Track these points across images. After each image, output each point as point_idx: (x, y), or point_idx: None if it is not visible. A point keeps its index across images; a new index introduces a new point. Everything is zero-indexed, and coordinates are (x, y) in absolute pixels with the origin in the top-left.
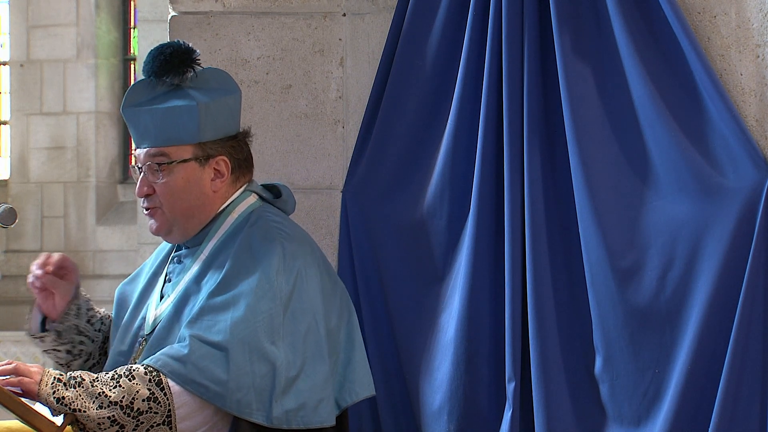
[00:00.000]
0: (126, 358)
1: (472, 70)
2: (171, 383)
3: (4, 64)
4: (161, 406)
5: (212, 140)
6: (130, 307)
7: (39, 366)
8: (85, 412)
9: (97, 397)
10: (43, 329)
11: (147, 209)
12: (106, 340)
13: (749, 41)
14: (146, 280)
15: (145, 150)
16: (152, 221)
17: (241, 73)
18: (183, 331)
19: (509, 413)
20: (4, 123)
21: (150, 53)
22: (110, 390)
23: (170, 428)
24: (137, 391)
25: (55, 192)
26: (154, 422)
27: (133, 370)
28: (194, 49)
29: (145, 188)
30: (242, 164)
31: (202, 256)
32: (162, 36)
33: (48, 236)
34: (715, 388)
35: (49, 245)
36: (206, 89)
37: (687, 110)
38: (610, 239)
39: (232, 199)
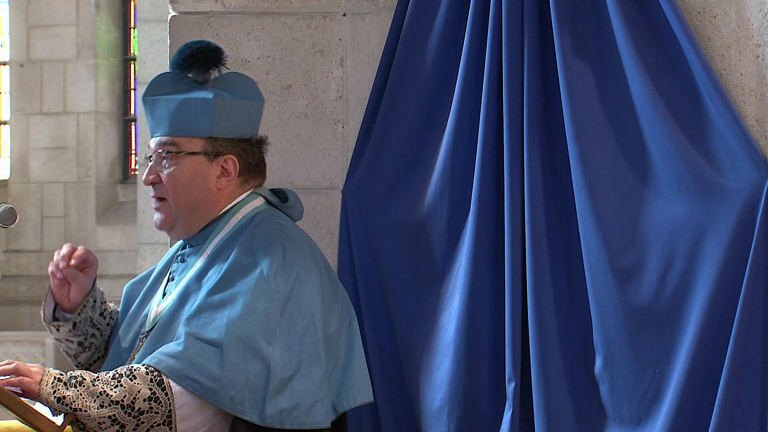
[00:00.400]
0: (126, 354)
1: (472, 70)
2: (172, 384)
3: (4, 64)
4: (162, 406)
5: (224, 138)
6: (135, 304)
7: (39, 366)
8: (85, 411)
9: (98, 397)
10: (54, 317)
11: (155, 200)
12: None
13: (749, 41)
14: (152, 279)
15: (158, 138)
16: (158, 215)
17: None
18: (180, 328)
19: (509, 413)
20: (4, 123)
21: (179, 47)
22: (111, 389)
23: (170, 428)
24: (138, 391)
25: (55, 192)
26: (155, 422)
27: (135, 370)
28: (223, 50)
29: (151, 176)
30: (252, 168)
31: (205, 255)
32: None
33: (48, 236)
34: (715, 388)
35: (49, 245)
36: (228, 90)
37: (687, 110)
38: (610, 239)
39: (238, 200)
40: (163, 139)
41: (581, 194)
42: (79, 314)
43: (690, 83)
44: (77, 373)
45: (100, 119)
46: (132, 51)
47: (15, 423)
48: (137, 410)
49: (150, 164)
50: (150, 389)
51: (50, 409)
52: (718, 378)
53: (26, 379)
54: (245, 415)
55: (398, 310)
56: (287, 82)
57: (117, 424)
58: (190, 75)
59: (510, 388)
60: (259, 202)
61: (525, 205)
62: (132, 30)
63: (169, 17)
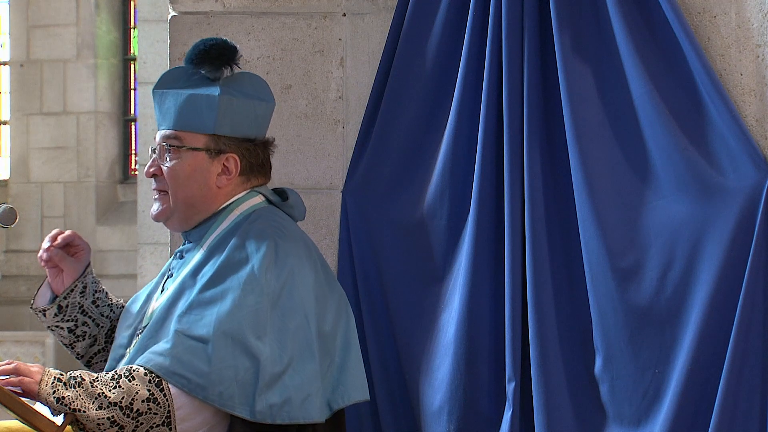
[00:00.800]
0: (123, 350)
1: (472, 70)
2: (170, 385)
3: (4, 64)
4: (160, 407)
5: (228, 136)
6: (139, 303)
7: (39, 366)
8: (84, 412)
9: (96, 398)
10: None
11: (156, 192)
12: (114, 329)
13: (749, 41)
14: (156, 278)
15: (163, 131)
16: (156, 205)
17: None
18: (172, 326)
19: (509, 413)
20: (4, 123)
21: (194, 43)
22: (110, 390)
23: (170, 429)
24: (137, 392)
25: (55, 192)
26: (154, 423)
27: (134, 371)
28: (238, 49)
29: (153, 168)
30: (254, 168)
31: (202, 251)
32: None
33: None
34: (715, 388)
35: None
36: (238, 89)
37: (687, 110)
38: (610, 239)
39: (237, 197)
40: (167, 132)
41: (581, 194)
42: (65, 298)
43: (690, 83)
44: (77, 373)
45: (100, 119)
46: (132, 51)
47: (15, 423)
48: (136, 411)
49: (153, 156)
50: (148, 390)
51: (50, 410)
52: (718, 378)
53: (26, 379)
54: (235, 411)
55: (398, 310)
56: (287, 82)
57: (116, 426)
58: (202, 71)
59: (510, 388)
60: (258, 200)
61: (525, 205)
62: (132, 30)
63: (169, 17)
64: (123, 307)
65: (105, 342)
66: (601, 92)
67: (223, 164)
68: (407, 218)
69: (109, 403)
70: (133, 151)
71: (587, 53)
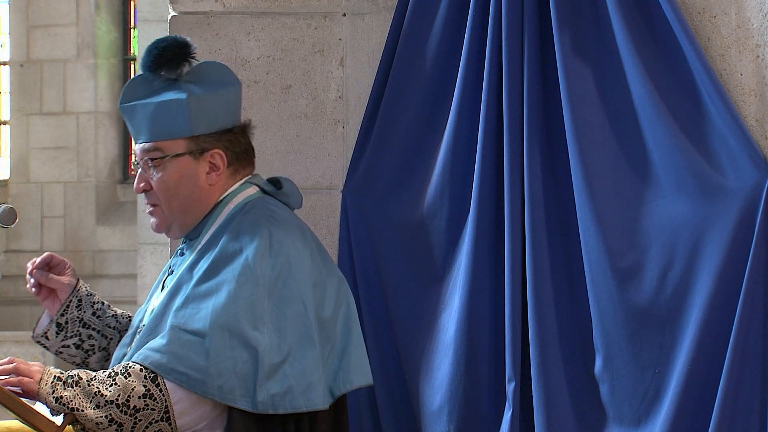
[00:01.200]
0: (125, 348)
1: (472, 70)
2: (166, 380)
3: (4, 64)
4: (157, 402)
5: (206, 134)
6: (143, 304)
7: (40, 364)
8: (83, 411)
9: (93, 397)
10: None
11: (149, 206)
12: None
13: (749, 41)
14: (159, 277)
15: (141, 145)
16: (153, 219)
17: (241, 73)
18: (168, 320)
19: (509, 413)
20: (4, 123)
21: (146, 48)
22: (106, 389)
23: (169, 424)
24: (133, 389)
25: (55, 192)
26: (152, 419)
27: (130, 367)
28: (190, 43)
29: (142, 184)
30: (240, 157)
31: (199, 246)
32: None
33: (48, 236)
34: (715, 387)
35: (49, 245)
36: (203, 82)
37: (687, 110)
38: (610, 239)
39: (231, 190)
40: (146, 145)
41: (581, 194)
42: (62, 315)
43: (690, 83)
44: (75, 372)
45: (100, 119)
46: (132, 51)
47: (15, 423)
48: (133, 408)
49: (139, 172)
50: (144, 386)
51: (49, 409)
52: (718, 378)
53: (26, 379)
54: (236, 404)
55: (398, 310)
56: (287, 82)
57: (114, 424)
58: (162, 74)
59: (510, 388)
60: (252, 190)
61: (525, 205)
62: (132, 30)
63: (169, 17)
64: (130, 317)
65: None
66: (601, 92)
67: (209, 162)
68: (407, 218)
69: (106, 401)
70: (133, 151)
71: (587, 53)
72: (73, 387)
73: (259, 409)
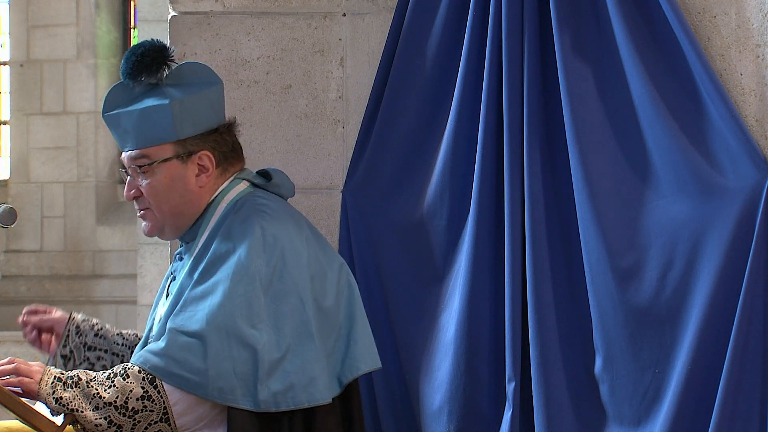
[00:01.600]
0: None
1: (472, 70)
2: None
3: (4, 64)
4: (156, 403)
5: (192, 136)
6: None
7: (40, 364)
8: (82, 412)
9: (92, 398)
10: None
11: (139, 211)
12: None
13: (749, 41)
14: (162, 284)
15: (128, 153)
16: (144, 223)
17: (241, 73)
18: (168, 324)
19: (509, 413)
20: (4, 123)
21: (125, 55)
22: (104, 390)
23: (169, 425)
24: (131, 390)
25: (55, 192)
26: (151, 420)
27: (128, 369)
28: (168, 46)
29: (132, 191)
30: (228, 156)
31: (196, 250)
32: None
33: (48, 236)
34: (715, 388)
35: (49, 245)
36: (184, 85)
37: (687, 110)
38: (610, 239)
39: (221, 189)
40: (133, 153)
41: (581, 194)
42: (64, 347)
43: (690, 83)
44: (75, 372)
45: (100, 119)
46: None
47: (15, 423)
48: (131, 410)
49: (128, 179)
50: (142, 388)
51: (49, 410)
52: (718, 378)
53: (26, 379)
54: (238, 404)
55: (398, 310)
56: (287, 82)
57: (114, 425)
58: (142, 80)
59: (510, 388)
60: (242, 186)
61: (525, 205)
62: (132, 30)
63: (169, 17)
64: (137, 335)
65: None
66: (601, 92)
67: (198, 164)
68: (407, 218)
69: (104, 403)
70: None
71: (587, 53)
72: (72, 388)
73: (261, 408)
